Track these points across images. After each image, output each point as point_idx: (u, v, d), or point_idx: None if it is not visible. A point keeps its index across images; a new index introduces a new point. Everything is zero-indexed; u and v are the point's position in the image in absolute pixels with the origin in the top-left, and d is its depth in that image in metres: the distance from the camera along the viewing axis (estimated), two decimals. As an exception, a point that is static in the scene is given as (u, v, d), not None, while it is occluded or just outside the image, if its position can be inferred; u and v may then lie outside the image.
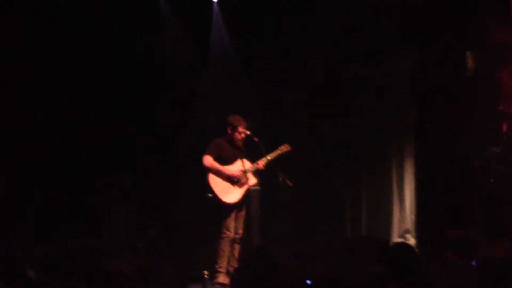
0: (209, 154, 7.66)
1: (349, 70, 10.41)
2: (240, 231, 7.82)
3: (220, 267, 7.63)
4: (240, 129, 7.73)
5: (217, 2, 10.72)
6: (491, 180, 8.21)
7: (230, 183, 7.65)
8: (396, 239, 10.58)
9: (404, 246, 5.18)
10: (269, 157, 7.73)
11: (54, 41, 9.50)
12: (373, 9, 9.80)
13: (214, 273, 7.62)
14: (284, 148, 7.88)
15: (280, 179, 7.63)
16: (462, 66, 8.86)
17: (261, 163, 7.73)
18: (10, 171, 9.26)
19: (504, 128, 8.33)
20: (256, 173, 7.84)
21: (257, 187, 8.66)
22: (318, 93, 10.47)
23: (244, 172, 7.68)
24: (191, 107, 10.53)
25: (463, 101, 8.88)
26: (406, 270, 4.58)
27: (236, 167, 7.70)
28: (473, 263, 5.17)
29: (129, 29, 10.01)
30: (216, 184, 7.61)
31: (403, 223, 10.73)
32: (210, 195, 7.60)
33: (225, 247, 7.66)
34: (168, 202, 10.12)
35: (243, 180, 7.68)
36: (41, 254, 8.29)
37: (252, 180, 7.76)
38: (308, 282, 6.41)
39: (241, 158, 7.75)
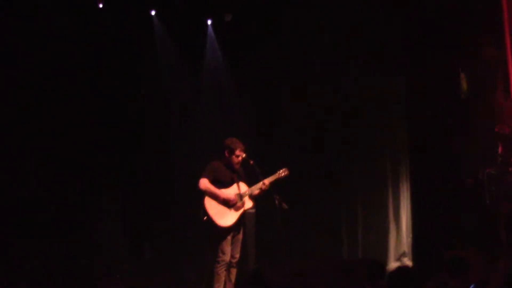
0: (206, 177, 7.64)
1: (343, 92, 10.45)
2: (237, 255, 7.79)
3: (217, 291, 7.60)
4: (237, 152, 7.71)
5: (211, 24, 10.79)
6: (487, 201, 8.22)
7: (226, 207, 7.63)
8: (393, 262, 10.56)
9: (404, 270, 5.16)
10: (266, 181, 7.70)
11: (42, 69, 9.53)
12: (367, 29, 9.88)
13: (210, 297, 7.57)
14: (282, 172, 7.86)
15: (276, 202, 7.60)
16: (456, 87, 8.92)
17: (258, 187, 7.70)
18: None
19: (499, 149, 8.35)
20: (253, 196, 7.82)
21: (253, 210, 8.65)
22: (312, 115, 10.51)
23: (240, 195, 7.66)
24: (186, 128, 10.55)
25: (457, 122, 8.92)
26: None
27: (232, 191, 7.68)
28: (471, 286, 5.16)
29: (123, 50, 10.07)
30: (212, 207, 7.58)
31: (400, 246, 10.70)
32: (205, 218, 7.57)
33: (221, 271, 7.63)
34: (163, 223, 10.12)
35: (239, 204, 7.66)
36: (34, 269, 8.26)
37: (248, 204, 7.73)
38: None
39: (237, 181, 7.73)
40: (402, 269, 5.18)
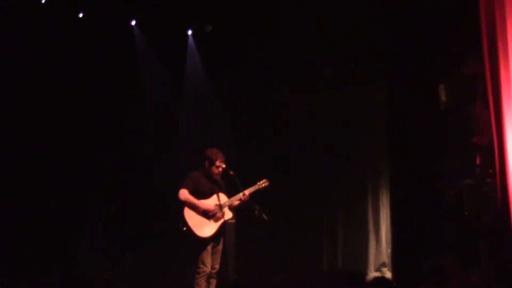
0: (185, 187, 7.62)
1: (323, 101, 10.48)
2: (217, 266, 7.77)
3: (197, 302, 7.57)
4: (217, 162, 7.69)
5: (191, 34, 10.80)
6: (465, 213, 8.25)
7: (206, 217, 7.61)
8: (372, 272, 10.58)
9: (381, 280, 5.19)
10: (246, 192, 7.69)
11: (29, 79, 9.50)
12: (345, 40, 9.91)
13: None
14: (263, 184, 7.85)
15: (256, 212, 7.58)
16: (435, 99, 8.97)
17: (238, 197, 7.69)
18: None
19: (478, 160, 8.40)
20: (233, 207, 7.81)
21: (233, 220, 8.64)
22: (293, 124, 10.53)
23: (220, 206, 7.64)
24: (167, 139, 10.53)
25: (436, 133, 8.96)
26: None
27: (212, 201, 7.66)
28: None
29: (104, 60, 10.05)
30: (191, 218, 7.56)
31: (379, 256, 10.74)
32: (184, 228, 7.55)
33: (201, 281, 7.60)
34: (143, 234, 10.08)
35: (218, 215, 7.64)
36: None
37: (228, 215, 7.72)
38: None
39: (217, 192, 7.71)
40: (379, 279, 5.21)
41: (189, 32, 10.79)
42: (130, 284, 9.13)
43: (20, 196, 9.49)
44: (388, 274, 10.29)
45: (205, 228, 7.59)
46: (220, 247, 7.79)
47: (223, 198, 7.71)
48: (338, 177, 10.62)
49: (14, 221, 9.34)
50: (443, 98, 8.95)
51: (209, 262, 7.64)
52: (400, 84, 9.28)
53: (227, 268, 9.39)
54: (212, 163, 7.68)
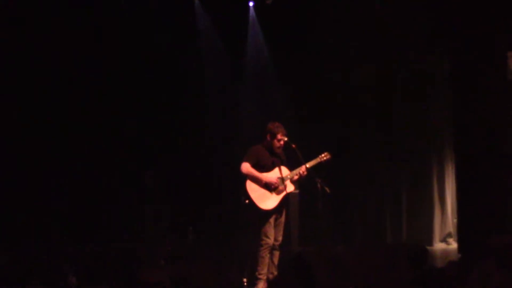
0: (247, 161, 7.64)
1: (387, 73, 10.36)
2: (280, 238, 7.78)
3: (260, 274, 7.61)
4: (279, 136, 7.66)
5: (253, 6, 10.75)
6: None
7: (268, 190, 7.63)
8: (437, 243, 10.49)
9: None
10: (308, 165, 7.65)
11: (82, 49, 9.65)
12: (413, 9, 9.75)
13: (253, 280, 7.60)
14: (324, 157, 7.78)
15: (319, 185, 7.56)
16: (503, 68, 8.74)
17: (300, 170, 7.67)
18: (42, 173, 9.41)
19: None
20: (295, 180, 7.80)
21: (296, 191, 8.62)
22: (355, 97, 10.44)
23: (282, 179, 7.65)
24: (227, 113, 10.58)
25: (503, 103, 8.75)
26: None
27: (274, 174, 7.67)
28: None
29: (165, 35, 10.11)
30: (253, 190, 7.59)
31: (445, 227, 10.64)
32: (246, 201, 7.59)
33: (264, 254, 7.64)
34: (207, 206, 10.20)
35: (280, 187, 7.64)
36: (81, 258, 8.38)
37: (290, 187, 7.71)
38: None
39: (279, 165, 7.71)
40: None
41: (251, 4, 10.74)
42: (192, 255, 9.25)
43: (86, 166, 9.69)
44: (454, 245, 10.19)
45: (267, 201, 7.61)
46: (282, 219, 7.80)
47: (285, 171, 7.71)
48: (402, 148, 10.51)
49: (79, 191, 9.55)
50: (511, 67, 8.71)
51: (272, 234, 7.67)
52: (465, 54, 9.06)
53: (290, 239, 9.45)
54: (274, 136, 7.66)
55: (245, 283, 7.18)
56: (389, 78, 10.37)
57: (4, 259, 7.79)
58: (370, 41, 10.20)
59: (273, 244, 7.70)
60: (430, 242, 10.37)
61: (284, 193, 7.67)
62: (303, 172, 7.60)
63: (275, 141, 7.67)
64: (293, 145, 7.63)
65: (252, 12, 10.79)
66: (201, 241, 9.79)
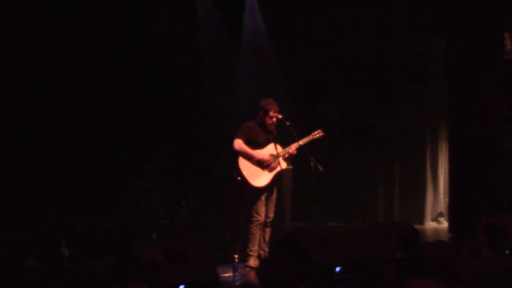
0: (240, 137, 7.59)
1: (382, 51, 10.33)
2: (271, 215, 7.77)
3: (251, 251, 7.61)
4: (271, 113, 7.58)
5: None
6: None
7: (260, 167, 7.59)
8: (429, 222, 10.54)
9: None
10: (301, 142, 7.60)
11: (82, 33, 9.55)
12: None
13: (244, 256, 7.61)
14: (317, 134, 7.74)
15: (311, 163, 7.54)
16: (500, 47, 8.70)
17: (293, 148, 7.62)
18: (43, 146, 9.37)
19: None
20: (288, 157, 7.78)
21: (290, 166, 8.58)
22: (353, 76, 10.41)
23: (275, 156, 7.61)
24: (224, 91, 10.53)
25: (499, 83, 8.73)
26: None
27: (266, 151, 7.63)
28: (506, 252, 5.07)
29: (162, 13, 10.02)
30: (246, 167, 7.55)
31: (437, 206, 10.68)
32: (239, 178, 7.56)
33: (255, 231, 7.63)
34: (198, 182, 10.18)
35: (273, 165, 7.61)
36: (75, 231, 8.38)
37: (283, 164, 7.67)
38: (337, 269, 6.44)
39: (272, 142, 7.67)
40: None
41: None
42: (184, 230, 9.25)
43: (79, 142, 9.65)
44: (445, 224, 10.24)
45: (259, 178, 7.58)
46: (274, 196, 7.78)
47: (278, 148, 7.67)
48: (396, 126, 10.52)
49: (72, 168, 9.52)
50: (508, 46, 8.67)
51: (263, 212, 7.65)
52: (461, 33, 9.02)
53: (283, 216, 9.46)
54: (266, 113, 7.59)
55: (236, 259, 7.16)
56: (389, 58, 10.34)
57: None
58: (371, 20, 10.14)
59: (265, 221, 7.70)
60: (422, 221, 10.42)
61: (276, 171, 7.64)
62: (293, 150, 7.57)
63: (267, 118, 7.60)
64: (287, 122, 7.58)
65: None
66: (193, 216, 9.77)
